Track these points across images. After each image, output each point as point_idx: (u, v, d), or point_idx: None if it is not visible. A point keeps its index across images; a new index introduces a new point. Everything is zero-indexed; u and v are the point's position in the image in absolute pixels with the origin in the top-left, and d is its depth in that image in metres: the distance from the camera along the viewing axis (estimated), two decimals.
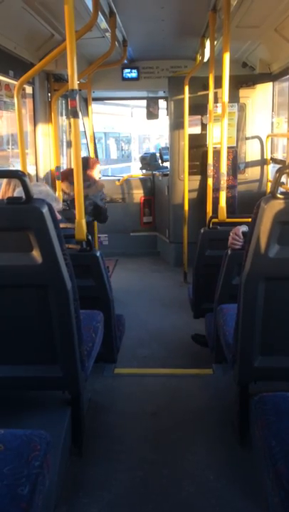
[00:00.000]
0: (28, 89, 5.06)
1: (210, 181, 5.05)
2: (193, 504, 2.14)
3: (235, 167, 5.95)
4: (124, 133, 26.95)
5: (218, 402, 2.90)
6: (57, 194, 4.45)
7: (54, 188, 4.69)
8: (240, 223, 3.63)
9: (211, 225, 3.69)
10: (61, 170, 5.06)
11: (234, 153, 5.91)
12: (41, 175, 5.29)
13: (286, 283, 2.14)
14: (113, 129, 24.99)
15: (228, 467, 2.35)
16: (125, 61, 5.64)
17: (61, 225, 2.19)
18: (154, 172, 7.14)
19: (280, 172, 1.97)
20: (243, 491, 2.20)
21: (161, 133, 23.32)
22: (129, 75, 6.20)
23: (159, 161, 7.56)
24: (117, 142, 27.24)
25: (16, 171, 1.97)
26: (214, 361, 3.32)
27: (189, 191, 5.76)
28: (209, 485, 2.24)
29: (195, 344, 3.87)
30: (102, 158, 6.19)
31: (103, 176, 8.20)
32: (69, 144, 6.46)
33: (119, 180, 7.05)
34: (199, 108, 5.75)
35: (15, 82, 4.03)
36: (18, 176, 1.87)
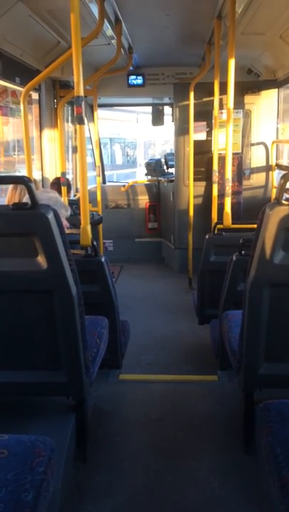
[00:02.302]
0: (35, 96, 5.10)
1: (215, 187, 5.05)
2: (197, 511, 2.12)
3: (240, 173, 5.95)
4: (129, 139, 27.03)
5: (223, 409, 2.88)
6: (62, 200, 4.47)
7: (59, 193, 4.71)
8: (245, 229, 3.64)
9: (216, 231, 3.69)
10: (66, 176, 5.08)
11: (239, 159, 5.91)
12: (47, 181, 5.32)
13: None
14: (119, 134, 25.08)
15: (233, 474, 2.33)
16: (131, 68, 5.67)
17: (66, 231, 2.20)
18: (159, 178, 7.15)
19: (285, 178, 1.97)
20: (247, 498, 2.18)
21: (167, 139, 23.36)
22: (134, 82, 6.23)
23: (165, 167, 7.58)
24: (122, 148, 27.33)
25: (22, 177, 1.99)
26: (219, 368, 3.31)
27: (194, 197, 5.76)
28: (214, 492, 2.23)
29: (200, 350, 3.85)
30: (107, 163, 6.23)
31: (108, 181, 8.23)
32: (74, 150, 6.49)
33: (124, 186, 7.06)
34: (205, 114, 5.76)
35: (21, 89, 4.06)
36: (24, 181, 1.88)
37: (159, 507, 2.16)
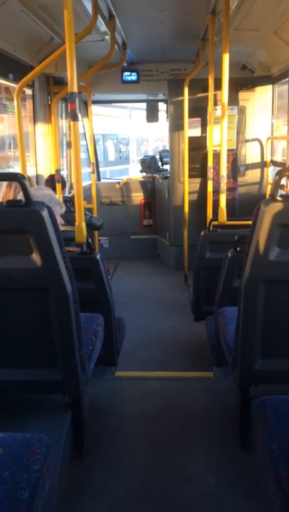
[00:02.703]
0: (28, 92, 5.07)
1: (210, 184, 5.06)
2: (194, 508, 2.13)
3: (235, 169, 5.95)
4: (122, 135, 26.93)
5: (219, 405, 2.89)
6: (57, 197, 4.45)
7: (54, 190, 4.69)
8: (241, 226, 3.64)
9: (211, 228, 3.69)
10: (61, 173, 5.07)
11: (234, 155, 5.92)
12: (41, 178, 5.30)
13: (286, 286, 2.14)
14: (111, 131, 24.98)
15: (229, 470, 2.34)
16: (125, 64, 5.66)
17: (61, 228, 2.19)
18: (154, 175, 7.14)
19: (280, 175, 1.96)
20: (243, 494, 2.19)
21: (159, 135, 23.27)
22: (128, 78, 6.21)
23: (159, 164, 7.57)
24: (115, 144, 27.22)
25: (16, 174, 1.97)
26: (215, 364, 3.31)
27: (189, 194, 5.76)
28: (210, 489, 2.23)
29: (196, 347, 3.86)
30: (100, 160, 6.19)
31: (103, 178, 8.20)
32: (69, 146, 6.46)
33: (119, 182, 7.05)
34: (199, 111, 5.75)
35: (15, 85, 4.04)
36: (18, 178, 1.87)
37: (156, 504, 2.16)
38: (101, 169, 6.48)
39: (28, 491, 1.45)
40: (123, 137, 27.28)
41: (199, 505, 2.14)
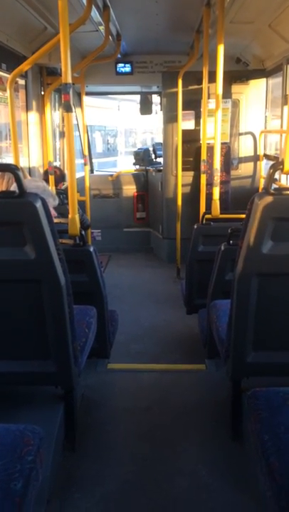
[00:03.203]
0: (21, 82, 5.02)
1: (203, 177, 5.05)
2: (185, 499, 2.15)
3: (228, 163, 5.95)
4: (110, 126, 26.67)
5: (211, 397, 2.91)
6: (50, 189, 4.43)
7: (47, 182, 4.67)
8: (233, 219, 3.64)
9: (204, 221, 3.69)
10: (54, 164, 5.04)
11: (227, 149, 5.91)
12: (34, 169, 5.26)
13: (279, 279, 2.15)
14: (99, 122, 24.78)
15: (221, 462, 2.36)
16: (119, 55, 5.61)
17: (54, 220, 2.18)
18: (147, 167, 7.12)
19: (273, 168, 1.97)
20: (235, 485, 2.21)
21: (148, 127, 23.12)
22: (122, 70, 6.16)
23: (153, 157, 7.54)
24: (103, 136, 26.98)
25: (9, 165, 1.96)
26: (207, 357, 3.33)
27: (183, 187, 5.75)
28: (202, 480, 2.25)
29: (188, 339, 3.88)
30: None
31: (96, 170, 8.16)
32: (62, 135, 6.42)
33: (112, 175, 7.03)
34: (193, 103, 5.74)
35: (7, 75, 4.00)
36: (11, 169, 1.85)
37: (148, 495, 2.18)
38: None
39: (22, 482, 1.45)
40: (111, 129, 27.05)
41: (191, 496, 2.16)
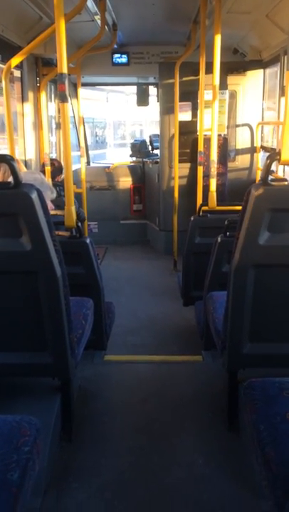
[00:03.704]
0: (17, 73, 4.97)
1: (200, 169, 5.04)
2: (182, 489, 2.16)
3: (225, 154, 5.94)
4: (98, 118, 26.42)
5: (208, 388, 2.92)
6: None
7: (43, 174, 4.64)
8: (230, 211, 3.64)
9: (201, 213, 3.69)
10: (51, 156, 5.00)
11: (224, 140, 5.89)
12: (31, 160, 5.23)
13: (276, 270, 2.15)
14: (87, 114, 24.50)
15: (217, 452, 2.37)
16: (115, 46, 5.57)
17: (51, 212, 2.17)
18: (144, 159, 7.10)
19: (270, 159, 1.96)
20: (231, 475, 2.22)
21: (137, 119, 22.92)
22: (119, 60, 6.12)
23: (150, 148, 7.51)
24: (91, 128, 26.69)
25: (4, 156, 1.94)
26: (203, 348, 3.34)
27: (179, 179, 5.74)
28: (198, 470, 2.27)
29: (185, 331, 3.89)
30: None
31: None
32: (58, 127, 6.38)
33: (109, 167, 7.00)
34: (190, 95, 5.70)
35: (2, 66, 3.96)
36: (6, 160, 1.84)
37: (145, 485, 2.19)
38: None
39: (18, 472, 1.46)
40: (99, 121, 26.79)
41: (188, 486, 2.17)
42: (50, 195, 2.86)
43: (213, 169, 3.95)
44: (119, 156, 8.46)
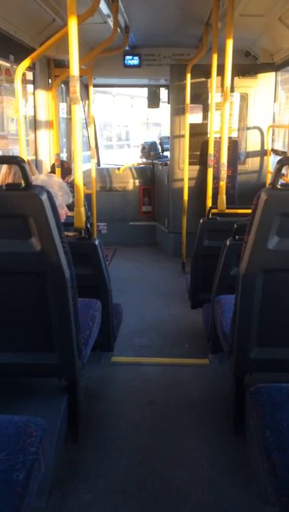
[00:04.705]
0: (29, 75, 5.01)
1: (210, 171, 5.03)
2: (187, 492, 2.16)
3: (235, 157, 5.92)
4: (82, 119, 26.29)
5: (214, 391, 2.91)
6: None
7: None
8: (240, 214, 3.62)
9: (210, 216, 3.68)
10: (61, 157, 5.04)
11: (235, 143, 5.88)
12: (42, 162, 5.26)
13: (285, 275, 2.14)
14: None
15: (223, 456, 2.37)
16: (127, 48, 5.58)
17: (67, 215, 2.18)
18: (154, 161, 7.10)
19: (281, 163, 1.95)
20: (236, 479, 2.22)
21: (122, 121, 22.85)
22: (130, 62, 6.13)
23: (160, 150, 7.52)
24: None
25: (15, 157, 1.96)
26: (210, 351, 3.33)
27: (189, 181, 5.73)
28: (203, 473, 2.26)
29: (192, 334, 3.88)
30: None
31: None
32: (69, 128, 6.40)
33: (119, 168, 7.02)
34: (201, 97, 5.70)
35: (15, 67, 3.99)
36: (17, 161, 1.85)
37: (150, 487, 2.19)
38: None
39: (24, 473, 1.47)
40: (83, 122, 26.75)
41: (192, 489, 2.17)
42: (67, 199, 2.86)
43: (223, 172, 3.94)
44: (106, 159, 8.44)
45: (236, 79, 5.69)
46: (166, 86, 6.70)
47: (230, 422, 2.56)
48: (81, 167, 2.85)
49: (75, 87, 2.66)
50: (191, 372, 3.20)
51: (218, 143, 4.51)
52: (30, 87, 5.10)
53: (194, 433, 2.56)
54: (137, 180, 7.03)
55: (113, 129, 26.22)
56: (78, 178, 2.84)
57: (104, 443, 2.47)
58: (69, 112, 6.25)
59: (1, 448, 1.54)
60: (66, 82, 5.58)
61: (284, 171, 4.77)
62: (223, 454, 2.38)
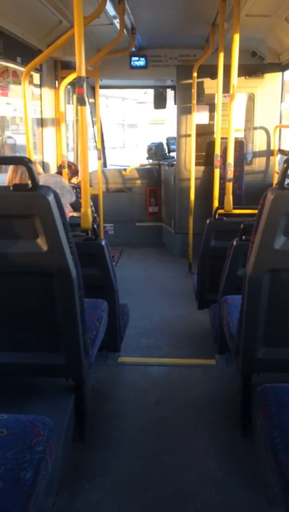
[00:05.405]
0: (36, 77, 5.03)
1: (217, 172, 5.03)
2: (194, 492, 2.16)
3: (242, 158, 5.91)
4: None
5: (221, 392, 2.91)
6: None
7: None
8: (246, 215, 3.62)
9: (216, 216, 3.68)
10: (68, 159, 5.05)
11: (241, 143, 5.87)
12: (49, 163, 5.28)
13: None
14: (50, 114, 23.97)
15: (230, 457, 2.36)
16: (133, 49, 5.59)
17: (69, 214, 2.19)
18: (160, 162, 7.10)
19: (287, 163, 1.95)
20: (243, 480, 2.21)
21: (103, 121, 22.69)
22: (137, 63, 6.14)
23: (166, 151, 7.52)
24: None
25: (22, 158, 1.97)
26: (217, 352, 3.33)
27: (196, 181, 5.73)
28: (210, 474, 2.26)
29: (199, 334, 3.88)
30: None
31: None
32: (76, 129, 6.42)
33: (125, 169, 7.03)
34: (208, 97, 5.70)
35: (22, 69, 4.01)
36: (24, 162, 1.86)
37: (156, 487, 2.19)
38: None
39: (31, 472, 1.47)
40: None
41: (199, 489, 2.17)
42: (70, 198, 2.88)
43: (230, 172, 3.94)
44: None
45: (243, 79, 5.67)
46: (172, 87, 6.70)
47: (237, 422, 2.55)
48: (87, 168, 2.86)
49: (82, 88, 2.67)
50: (198, 372, 3.19)
51: (225, 143, 4.50)
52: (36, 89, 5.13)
53: (201, 433, 2.55)
54: (143, 181, 7.04)
55: (89, 129, 26.11)
56: (85, 179, 2.85)
57: (111, 443, 2.47)
58: (76, 113, 6.27)
59: (8, 447, 1.55)
60: (73, 84, 5.60)
61: None
62: (231, 454, 2.38)
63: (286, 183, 1.95)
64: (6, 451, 1.53)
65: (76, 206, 3.32)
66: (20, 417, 1.69)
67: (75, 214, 3.14)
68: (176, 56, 6.15)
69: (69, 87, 5.87)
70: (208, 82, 5.77)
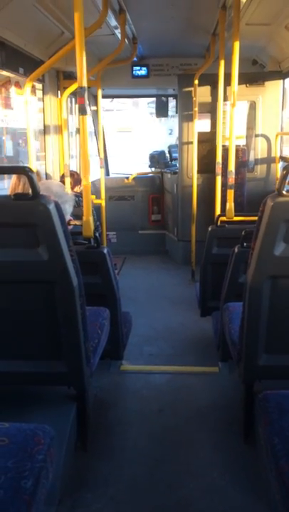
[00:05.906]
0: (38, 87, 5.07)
1: (218, 179, 5.04)
2: (196, 501, 2.14)
3: (243, 165, 5.93)
4: (21, 129, 25.41)
5: (224, 399, 2.90)
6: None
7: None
8: (248, 222, 3.62)
9: (218, 223, 3.69)
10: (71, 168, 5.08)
11: (243, 151, 5.89)
12: (52, 172, 5.31)
13: None
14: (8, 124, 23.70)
15: (233, 465, 2.35)
16: (135, 59, 5.64)
17: (71, 222, 2.20)
18: (163, 170, 7.13)
19: (286, 169, 1.96)
20: (247, 488, 2.20)
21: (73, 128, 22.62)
22: (138, 73, 6.19)
23: (168, 159, 7.55)
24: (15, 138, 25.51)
25: (23, 167, 1.99)
26: (220, 359, 3.32)
27: (198, 189, 5.75)
28: (213, 482, 2.25)
29: (202, 342, 3.87)
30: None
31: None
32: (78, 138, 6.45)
33: (128, 177, 7.06)
34: (209, 106, 5.73)
35: (25, 79, 4.05)
36: (25, 172, 1.88)
37: (159, 496, 2.18)
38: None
39: (32, 480, 1.47)
40: (22, 131, 25.93)
41: (202, 498, 2.16)
42: (68, 209, 2.88)
43: (231, 179, 3.95)
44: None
45: (244, 87, 5.71)
46: (173, 96, 6.75)
47: (240, 430, 2.54)
48: (89, 177, 2.87)
49: (83, 97, 2.70)
50: (200, 380, 3.18)
51: (226, 151, 4.52)
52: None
53: (204, 441, 2.54)
54: (146, 189, 7.07)
55: (75, 138, 26.05)
56: (87, 187, 2.87)
57: (113, 452, 2.46)
58: (78, 122, 6.30)
59: (9, 455, 1.54)
60: (75, 93, 5.65)
61: None
62: (233, 462, 2.37)
63: (285, 189, 1.96)
64: (6, 460, 1.52)
65: (79, 214, 3.33)
66: (22, 425, 1.69)
67: (77, 222, 3.15)
68: (177, 65, 6.20)
69: (71, 96, 5.92)
70: (209, 90, 5.81)
